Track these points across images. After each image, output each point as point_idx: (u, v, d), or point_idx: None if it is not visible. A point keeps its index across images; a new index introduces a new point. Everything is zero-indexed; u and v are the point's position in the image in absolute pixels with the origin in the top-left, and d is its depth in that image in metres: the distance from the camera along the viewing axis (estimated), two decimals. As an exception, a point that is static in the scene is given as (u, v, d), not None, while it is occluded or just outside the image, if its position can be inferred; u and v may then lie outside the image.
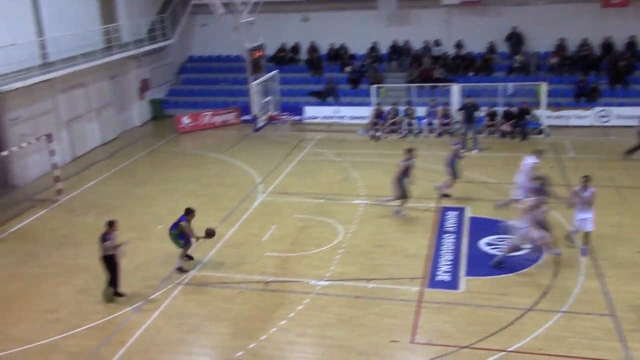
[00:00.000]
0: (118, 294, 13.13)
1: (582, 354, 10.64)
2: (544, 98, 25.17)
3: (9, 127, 20.75)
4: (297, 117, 28.15)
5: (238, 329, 11.90)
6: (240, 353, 11.11)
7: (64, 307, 13.04)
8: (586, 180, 13.99)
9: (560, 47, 28.21)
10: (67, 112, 23.82)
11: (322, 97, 29.13)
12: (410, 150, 17.05)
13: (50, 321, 12.49)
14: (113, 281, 13.06)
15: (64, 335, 11.95)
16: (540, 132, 24.74)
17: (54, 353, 11.40)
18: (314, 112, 28.55)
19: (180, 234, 14.10)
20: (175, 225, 14.13)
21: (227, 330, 11.91)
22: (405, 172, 16.75)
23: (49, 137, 19.54)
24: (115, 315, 12.55)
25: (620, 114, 25.44)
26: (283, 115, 27.40)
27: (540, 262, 13.97)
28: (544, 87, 25.14)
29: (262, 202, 18.54)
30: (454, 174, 18.29)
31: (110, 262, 12.93)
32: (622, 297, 12.38)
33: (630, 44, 27.53)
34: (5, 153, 18.63)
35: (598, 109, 25.68)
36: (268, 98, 27.44)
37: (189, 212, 14.18)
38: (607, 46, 27.85)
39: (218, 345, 11.44)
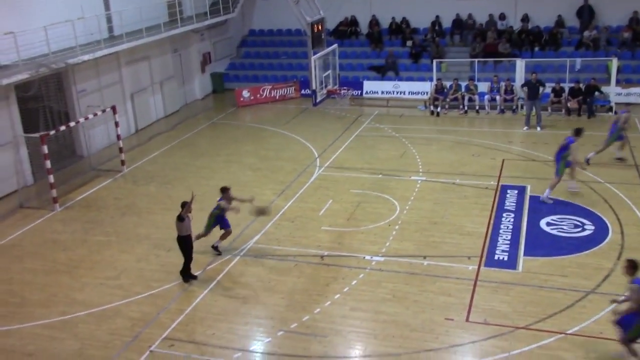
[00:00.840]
0: (191, 276, 13.02)
1: None
2: (614, 74, 24.15)
3: (77, 98, 21.41)
4: (356, 92, 27.97)
5: (292, 301, 12.04)
6: (294, 325, 11.25)
7: (126, 274, 13.48)
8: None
9: (634, 20, 26.92)
10: (131, 85, 24.38)
11: (382, 71, 28.81)
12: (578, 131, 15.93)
13: (112, 287, 12.95)
14: (186, 262, 12.93)
15: (126, 301, 12.37)
16: (610, 110, 23.79)
17: (116, 317, 11.82)
18: (373, 86, 28.26)
19: (218, 217, 13.80)
20: (217, 207, 13.89)
21: (281, 302, 12.07)
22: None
23: (114, 109, 20.06)
24: (175, 284, 12.90)
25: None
26: (342, 89, 27.26)
27: (603, 245, 13.53)
28: (614, 63, 24.10)
29: (319, 177, 18.58)
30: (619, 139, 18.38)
31: (186, 243, 12.85)
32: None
33: None
34: (73, 124, 19.25)
35: (671, 85, 24.50)
36: (328, 72, 27.32)
37: (224, 191, 13.83)
38: (684, 19, 26.45)
39: (273, 316, 11.61)
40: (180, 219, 12.63)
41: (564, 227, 14.46)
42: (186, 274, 12.99)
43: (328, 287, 12.50)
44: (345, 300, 11.99)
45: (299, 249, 14.10)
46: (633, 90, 24.80)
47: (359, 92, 28.16)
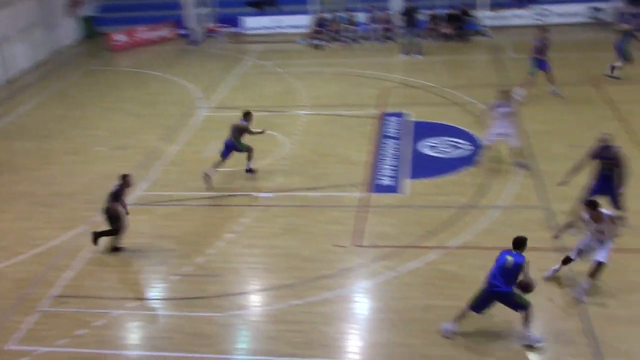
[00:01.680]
0: (117, 249, 12.02)
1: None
2: (485, -1, 25.07)
3: None
4: (235, 29, 27.39)
5: (186, 245, 12.00)
6: (189, 268, 11.26)
7: (7, 234, 12.86)
8: (505, 94, 13.82)
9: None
10: (-7, 34, 22.64)
11: (260, 6, 28.30)
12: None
13: (-7, 250, 12.35)
14: (112, 234, 11.86)
15: (10, 262, 11.85)
16: (480, 34, 24.76)
17: (0, 280, 11.33)
18: (254, 23, 27.78)
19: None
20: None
21: (175, 247, 11.99)
22: None
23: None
24: (61, 239, 12.46)
25: (558, 12, 25.59)
26: (221, 27, 26.60)
27: (477, 161, 14.34)
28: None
29: (205, 118, 18.30)
30: (625, 56, 18.73)
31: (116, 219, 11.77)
32: (556, 190, 12.91)
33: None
34: None
35: (537, 7, 25.74)
36: (204, 10, 26.50)
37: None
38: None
39: (166, 262, 11.54)
40: (115, 195, 11.57)
41: (443, 149, 15.16)
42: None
43: (221, 227, 12.54)
44: (239, 239, 12.09)
45: (188, 193, 13.96)
46: (503, 13, 25.86)
47: (239, 29, 27.60)
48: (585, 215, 9.72)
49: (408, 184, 13.70)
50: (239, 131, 14.09)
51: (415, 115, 17.27)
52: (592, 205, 9.59)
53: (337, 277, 10.77)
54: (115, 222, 11.71)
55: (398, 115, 17.36)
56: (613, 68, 19.04)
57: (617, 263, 10.18)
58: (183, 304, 10.38)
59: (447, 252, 11.19)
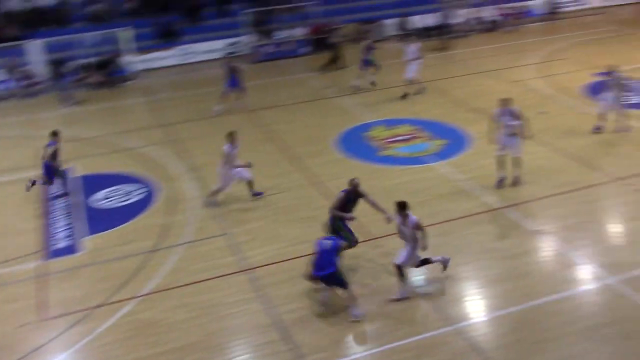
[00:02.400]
0: None
1: (207, 276, 11.53)
2: (129, 43, 25.25)
3: None
4: None
5: None
6: None
7: None
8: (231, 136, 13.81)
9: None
10: None
11: None
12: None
13: None
14: None
15: None
16: (129, 79, 24.91)
17: None
18: None
19: None
20: None
21: None
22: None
23: None
24: None
25: (200, 50, 27.15)
26: None
27: (156, 203, 14.43)
28: (127, 33, 25.17)
29: None
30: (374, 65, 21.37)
31: None
32: (232, 216, 13.69)
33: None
34: None
35: (180, 47, 26.92)
36: None
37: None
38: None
39: None
40: None
41: (117, 198, 14.89)
42: None
43: None
44: None
45: None
46: (148, 56, 26.42)
47: None
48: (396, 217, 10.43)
49: (88, 241, 13.12)
50: None
51: (82, 168, 16.63)
52: (400, 207, 10.32)
53: (29, 359, 9.80)
54: None
55: (64, 172, 16.47)
56: (373, 82, 21.77)
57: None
58: None
59: (140, 301, 11.00)
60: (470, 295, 10.72)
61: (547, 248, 11.96)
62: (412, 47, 20.54)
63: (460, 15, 28.31)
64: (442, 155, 16.08)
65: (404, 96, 20.53)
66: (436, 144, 16.75)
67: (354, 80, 21.82)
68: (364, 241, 11.89)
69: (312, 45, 26.88)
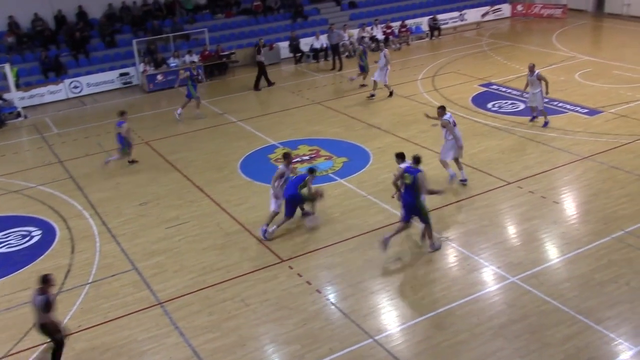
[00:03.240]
0: None
1: (119, 314, 11.13)
2: (11, 80, 24.06)
3: None
4: None
5: None
6: None
7: None
8: None
9: (13, 25, 27.15)
10: None
11: None
12: None
13: None
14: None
15: None
16: (18, 115, 23.74)
17: None
18: None
19: None
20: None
21: None
22: None
23: None
24: None
25: (90, 82, 26.30)
26: None
27: (55, 244, 13.78)
28: (8, 68, 23.98)
29: None
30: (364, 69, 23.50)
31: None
32: (138, 250, 13.31)
33: (81, 14, 28.29)
34: None
35: (68, 81, 25.95)
36: None
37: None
38: (60, 19, 28.01)
39: None
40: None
41: (12, 242, 14.09)
42: None
43: None
44: None
45: None
46: (34, 91, 25.29)
47: None
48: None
49: (-18, 290, 12.31)
50: None
51: (-32, 214, 15.60)
52: (286, 156, 13.61)
53: None
54: None
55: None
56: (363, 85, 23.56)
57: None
58: None
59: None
60: (384, 307, 10.95)
61: (452, 254, 12.44)
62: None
63: (348, 36, 29.08)
64: (345, 172, 16.41)
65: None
66: (338, 162, 17.08)
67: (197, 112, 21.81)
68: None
69: (205, 72, 26.73)
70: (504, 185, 15.03)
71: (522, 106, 20.08)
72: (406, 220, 12.31)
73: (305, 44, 28.89)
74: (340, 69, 26.96)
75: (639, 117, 18.67)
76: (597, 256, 11.83)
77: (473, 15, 34.55)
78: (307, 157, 17.53)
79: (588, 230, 12.85)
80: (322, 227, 13.60)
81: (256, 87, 24.99)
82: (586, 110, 19.59)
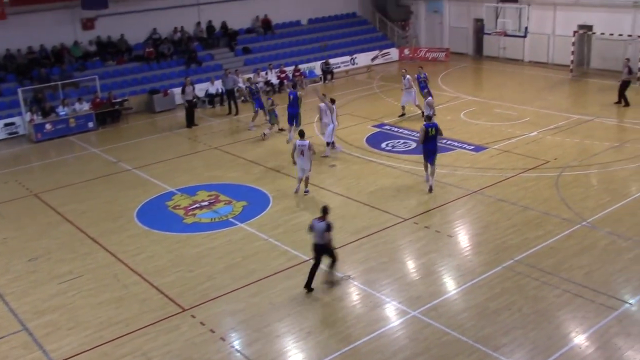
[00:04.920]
0: None
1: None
2: None
3: None
4: None
5: None
6: None
7: None
8: None
9: None
10: None
11: None
12: None
13: None
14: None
15: None
16: None
17: None
18: None
19: None
20: None
21: None
22: None
23: None
24: None
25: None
26: None
27: None
28: None
29: None
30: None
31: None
32: (27, 308, 12.55)
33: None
34: None
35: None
36: None
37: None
38: None
39: None
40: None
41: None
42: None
43: None
44: None
45: None
46: None
47: None
48: None
49: None
50: None
51: None
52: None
53: None
54: None
55: None
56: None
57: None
58: None
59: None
60: (290, 350, 10.88)
61: (355, 292, 12.61)
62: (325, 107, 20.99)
63: (242, 81, 29.29)
64: (245, 216, 16.34)
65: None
66: (238, 206, 17.00)
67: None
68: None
69: (96, 120, 25.96)
70: (401, 222, 15.48)
71: (413, 145, 20.91)
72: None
73: (200, 89, 28.80)
74: (237, 113, 27.07)
75: (519, 152, 19.91)
76: (491, 285, 12.38)
77: (363, 59, 35.85)
78: (205, 203, 17.33)
79: (481, 261, 13.45)
80: (223, 273, 13.43)
81: (190, 124, 25.38)
82: (472, 147, 20.67)
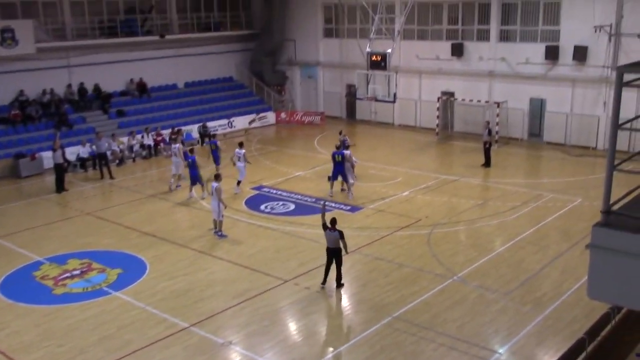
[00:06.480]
0: None
1: None
2: None
3: None
4: None
5: None
6: None
7: None
8: None
9: None
10: None
11: None
12: None
13: None
14: None
15: None
16: None
17: None
18: None
19: None
20: None
21: None
22: None
23: None
24: None
25: None
26: None
27: None
28: None
29: None
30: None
31: None
32: None
33: None
34: None
35: None
36: None
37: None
38: None
39: None
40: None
41: None
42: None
43: None
44: None
45: None
46: None
47: None
48: None
49: None
50: None
51: None
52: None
53: None
54: None
55: None
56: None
57: None
58: None
59: None
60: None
61: (236, 358, 12.38)
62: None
63: (117, 144, 28.56)
64: (120, 284, 15.68)
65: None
66: (112, 274, 16.30)
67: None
68: None
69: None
70: (281, 284, 15.50)
71: (292, 206, 21.20)
72: None
73: (71, 152, 27.68)
74: (111, 177, 26.20)
75: (393, 211, 20.75)
76: (371, 343, 12.62)
77: (241, 122, 36.18)
78: (77, 272, 16.48)
79: (360, 319, 13.71)
80: (96, 346, 12.72)
81: (60, 189, 24.28)
82: (349, 207, 21.29)
